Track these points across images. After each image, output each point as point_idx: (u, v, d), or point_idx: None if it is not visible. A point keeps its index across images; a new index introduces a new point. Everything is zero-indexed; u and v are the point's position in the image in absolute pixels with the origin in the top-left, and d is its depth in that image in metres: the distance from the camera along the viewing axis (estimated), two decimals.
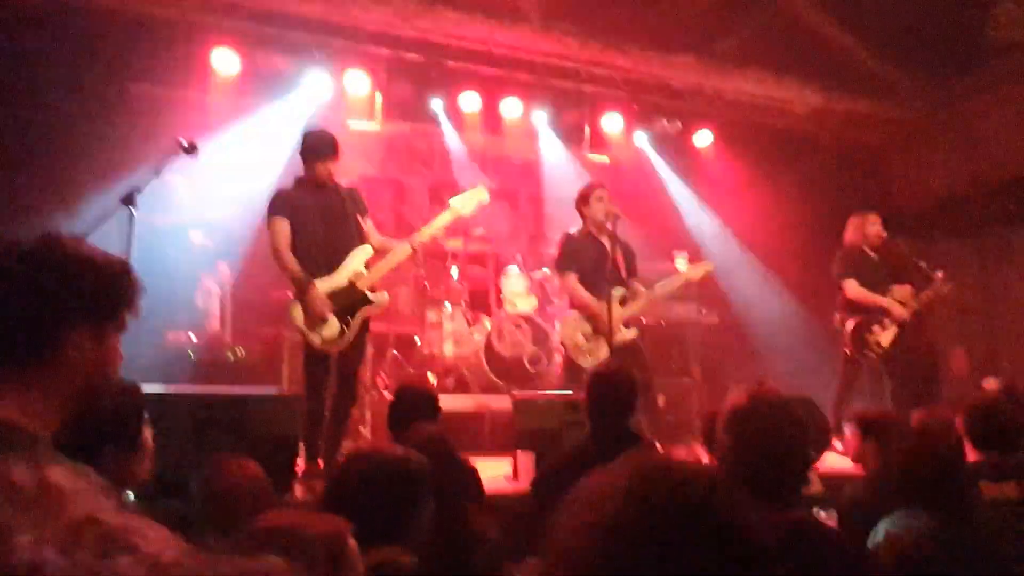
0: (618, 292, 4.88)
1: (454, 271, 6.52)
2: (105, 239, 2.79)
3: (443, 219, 4.53)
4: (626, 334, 4.93)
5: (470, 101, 7.11)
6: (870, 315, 5.59)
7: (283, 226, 4.16)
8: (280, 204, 4.21)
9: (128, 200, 3.43)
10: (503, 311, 6.42)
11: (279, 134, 6.26)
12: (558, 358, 5.90)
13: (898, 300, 5.59)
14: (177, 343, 5.64)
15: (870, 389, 5.78)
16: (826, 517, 2.70)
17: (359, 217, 4.37)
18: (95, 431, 1.82)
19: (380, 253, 4.36)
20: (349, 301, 4.19)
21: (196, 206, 6.25)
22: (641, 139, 8.04)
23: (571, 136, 7.80)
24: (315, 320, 4.11)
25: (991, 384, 5.09)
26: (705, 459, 3.17)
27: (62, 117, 5.86)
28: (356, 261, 4.26)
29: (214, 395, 3.81)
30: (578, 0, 6.51)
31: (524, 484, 3.66)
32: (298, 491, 3.75)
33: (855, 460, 3.32)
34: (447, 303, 6.28)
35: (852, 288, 5.65)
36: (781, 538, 1.59)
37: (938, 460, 2.27)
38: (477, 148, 7.69)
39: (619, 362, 3.71)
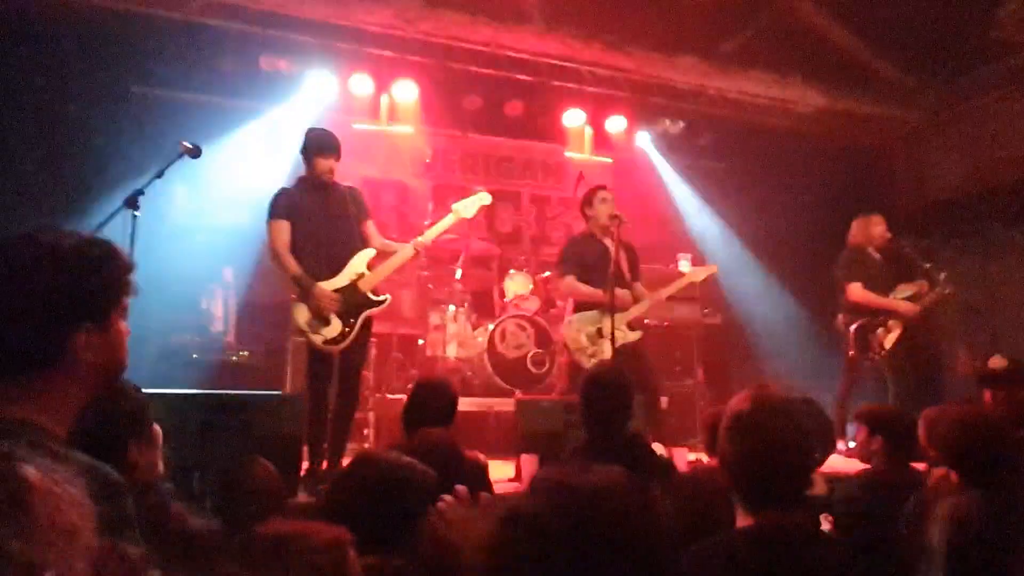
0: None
1: (457, 273, 6.52)
2: None
3: (446, 222, 4.54)
4: (629, 336, 4.93)
5: (475, 102, 7.12)
6: (874, 317, 5.59)
7: (283, 228, 4.16)
8: (280, 206, 4.21)
9: (131, 203, 3.44)
10: (506, 313, 6.42)
11: (283, 137, 6.25)
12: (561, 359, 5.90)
13: (906, 297, 5.58)
14: (181, 346, 5.65)
15: (873, 390, 5.77)
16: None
17: (361, 218, 4.37)
18: (118, 429, 1.86)
19: (382, 255, 4.36)
20: (351, 302, 4.20)
21: (200, 209, 6.27)
22: (644, 140, 8.05)
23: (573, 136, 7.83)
24: (318, 320, 4.11)
25: (998, 362, 5.07)
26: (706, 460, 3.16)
27: (66, 120, 5.88)
28: (358, 263, 4.26)
29: (218, 396, 3.81)
30: (581, 2, 6.50)
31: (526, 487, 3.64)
32: (301, 493, 3.74)
33: (864, 459, 3.23)
34: (450, 305, 6.28)
35: (857, 291, 5.64)
36: (781, 541, 1.60)
37: (989, 440, 2.26)
38: (478, 148, 7.70)
39: (613, 365, 3.68)
